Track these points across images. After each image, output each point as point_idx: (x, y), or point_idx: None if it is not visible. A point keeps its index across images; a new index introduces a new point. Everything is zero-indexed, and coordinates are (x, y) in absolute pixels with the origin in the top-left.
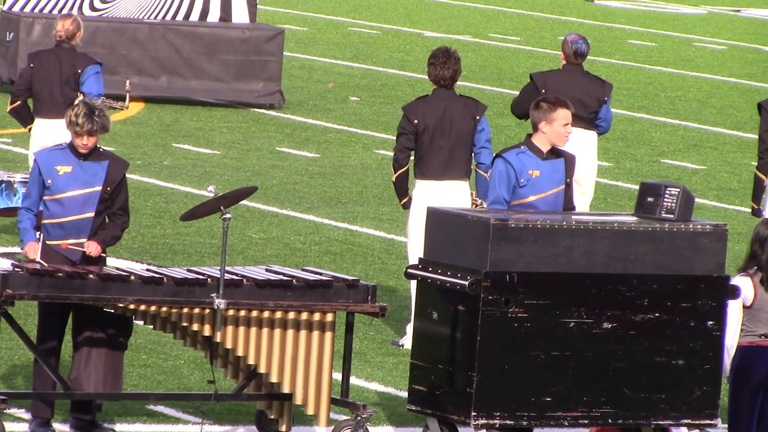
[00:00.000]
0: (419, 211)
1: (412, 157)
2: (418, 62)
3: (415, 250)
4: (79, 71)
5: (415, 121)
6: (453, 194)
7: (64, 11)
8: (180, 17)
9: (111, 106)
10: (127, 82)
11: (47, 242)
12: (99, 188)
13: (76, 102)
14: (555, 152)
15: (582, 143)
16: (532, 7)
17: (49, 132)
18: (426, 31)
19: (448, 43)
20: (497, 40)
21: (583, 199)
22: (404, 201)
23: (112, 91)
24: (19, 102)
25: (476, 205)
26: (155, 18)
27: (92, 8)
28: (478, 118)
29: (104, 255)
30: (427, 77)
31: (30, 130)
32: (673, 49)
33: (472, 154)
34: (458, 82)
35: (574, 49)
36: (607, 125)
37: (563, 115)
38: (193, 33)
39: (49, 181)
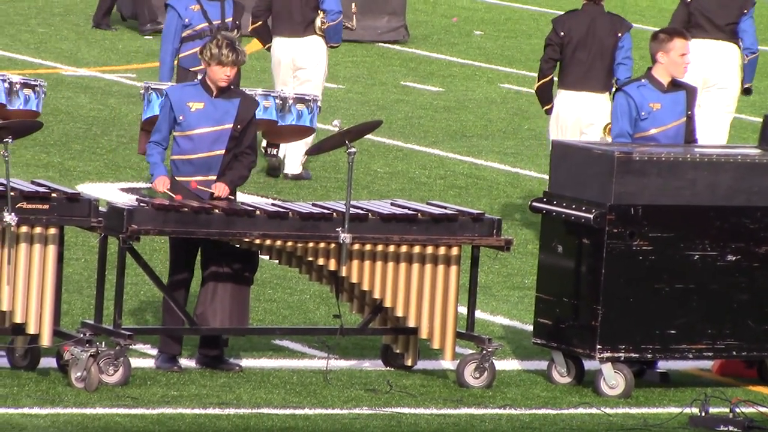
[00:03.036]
0: (558, 118)
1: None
2: None
3: None
4: None
5: (561, 33)
6: (591, 105)
7: None
8: None
9: (344, 25)
10: (353, 4)
11: (176, 178)
12: (230, 126)
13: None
14: (676, 84)
15: (723, 56)
16: None
17: (287, 49)
18: None
19: None
20: None
21: (724, 117)
22: (547, 107)
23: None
24: (260, 22)
25: None
26: None
27: None
28: (620, 34)
29: (232, 197)
30: (547, 9)
31: (269, 48)
32: None
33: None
34: None
35: None
36: (749, 40)
37: (680, 45)
38: None
39: (181, 117)
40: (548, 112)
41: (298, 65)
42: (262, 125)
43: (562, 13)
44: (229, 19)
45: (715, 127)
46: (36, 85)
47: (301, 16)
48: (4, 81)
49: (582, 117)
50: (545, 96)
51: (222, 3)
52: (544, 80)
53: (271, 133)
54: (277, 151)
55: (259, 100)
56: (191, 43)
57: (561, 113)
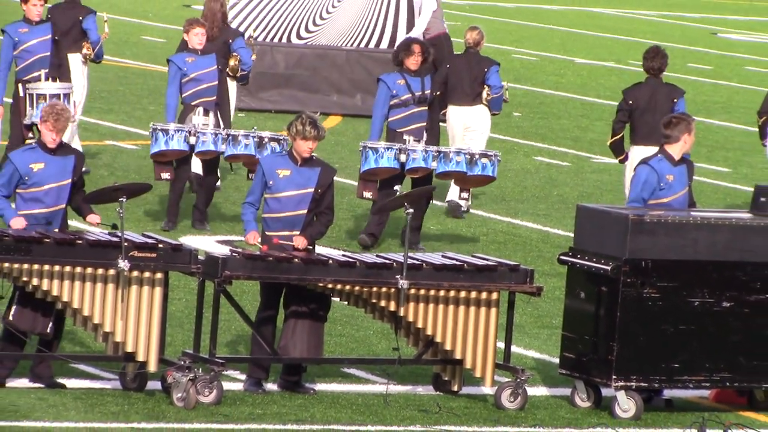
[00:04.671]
0: (632, 168)
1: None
2: (570, 84)
3: None
4: (485, 70)
5: (630, 102)
6: None
7: (275, 40)
8: (372, 45)
9: (503, 98)
10: (506, 82)
11: (266, 233)
12: (311, 190)
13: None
14: (681, 159)
15: None
16: (665, 38)
17: (459, 115)
18: (577, 58)
19: (594, 69)
20: (636, 66)
21: None
22: (621, 158)
23: (315, 106)
24: (437, 93)
25: None
26: (352, 45)
27: (299, 37)
28: (675, 100)
29: (311, 248)
30: (581, 96)
31: (444, 114)
32: None
33: None
34: (600, 100)
35: None
36: None
37: (694, 128)
38: (384, 58)
39: (271, 182)
40: (622, 161)
41: (468, 128)
42: (454, 175)
43: (630, 85)
44: (427, 91)
45: None
46: (281, 140)
47: (471, 89)
48: (254, 137)
49: None
50: (617, 149)
51: (422, 78)
52: (615, 137)
53: (460, 180)
54: (469, 197)
55: (452, 156)
56: (397, 110)
57: (634, 163)
